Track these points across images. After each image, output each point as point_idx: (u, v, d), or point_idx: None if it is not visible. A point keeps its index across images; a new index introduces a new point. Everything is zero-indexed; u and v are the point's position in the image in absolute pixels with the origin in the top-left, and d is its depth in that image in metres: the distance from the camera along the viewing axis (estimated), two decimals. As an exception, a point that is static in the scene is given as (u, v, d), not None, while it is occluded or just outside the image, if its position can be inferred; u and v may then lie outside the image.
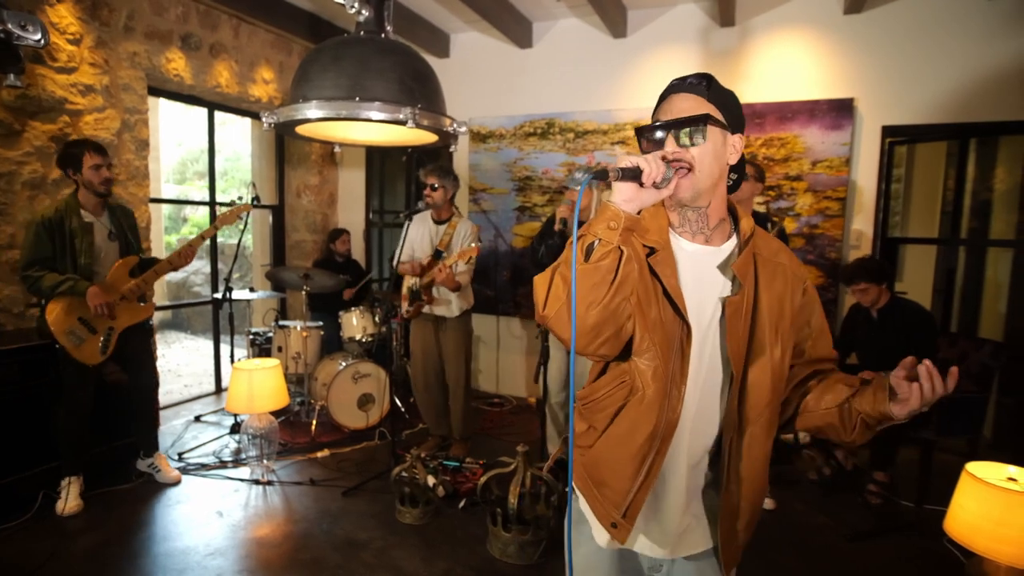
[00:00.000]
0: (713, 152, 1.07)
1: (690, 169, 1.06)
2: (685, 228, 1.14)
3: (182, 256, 2.98)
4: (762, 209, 3.98)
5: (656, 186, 0.99)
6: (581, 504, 1.26)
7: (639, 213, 1.02)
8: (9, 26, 1.00)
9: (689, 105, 1.08)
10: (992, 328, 3.93)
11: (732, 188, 1.17)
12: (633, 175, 0.97)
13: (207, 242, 4.69)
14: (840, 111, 3.78)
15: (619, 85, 4.42)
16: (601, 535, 1.21)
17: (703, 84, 1.09)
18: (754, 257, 1.13)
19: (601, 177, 0.96)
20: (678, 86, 1.11)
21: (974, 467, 1.84)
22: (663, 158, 1.01)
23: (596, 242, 0.98)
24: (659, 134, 1.08)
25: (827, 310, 3.86)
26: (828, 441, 3.40)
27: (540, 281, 1.06)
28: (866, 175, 3.83)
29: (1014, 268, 3.71)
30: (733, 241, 1.16)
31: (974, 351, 3.27)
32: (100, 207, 2.91)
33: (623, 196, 0.99)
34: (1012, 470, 1.83)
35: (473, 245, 3.25)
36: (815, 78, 3.88)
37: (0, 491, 2.76)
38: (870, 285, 3.13)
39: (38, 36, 1.03)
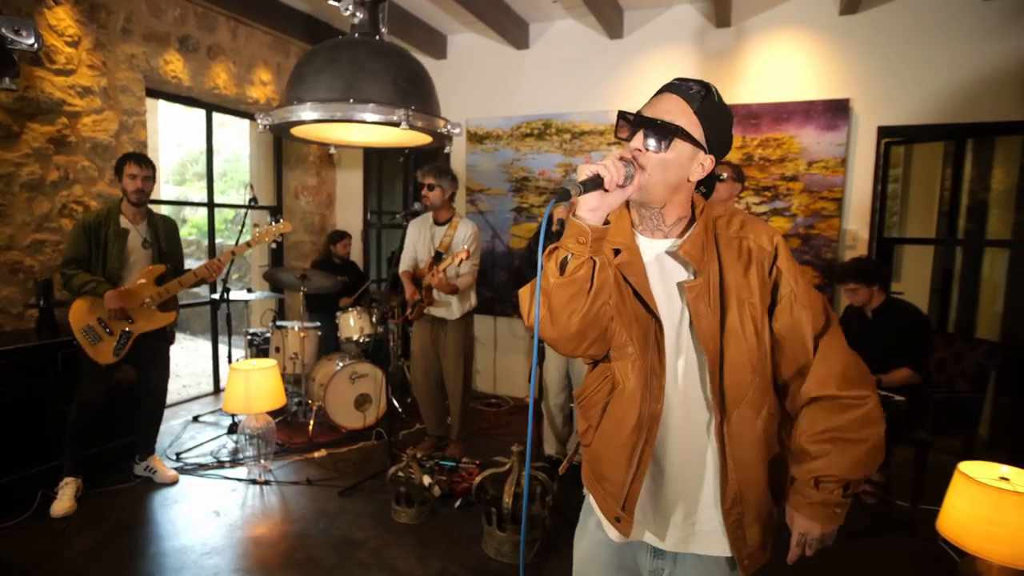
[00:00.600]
0: (676, 163, 1.07)
1: (639, 170, 1.06)
2: (645, 226, 1.17)
3: (210, 269, 3.07)
4: (763, 209, 3.99)
5: (620, 186, 1.02)
6: (590, 498, 1.30)
7: (607, 220, 1.04)
8: (2, 30, 1.02)
9: (673, 108, 1.07)
10: (989, 328, 3.94)
11: (706, 195, 1.19)
12: (595, 184, 0.98)
13: (204, 244, 4.69)
14: (836, 112, 3.79)
15: (615, 86, 4.43)
16: (611, 530, 1.23)
17: (699, 94, 1.08)
18: (715, 239, 1.13)
19: (564, 198, 0.97)
20: (677, 86, 1.10)
21: (967, 467, 1.85)
22: (620, 158, 1.03)
23: (569, 256, 1.01)
24: (631, 126, 1.09)
25: (823, 310, 3.88)
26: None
27: (524, 294, 1.12)
28: (862, 176, 3.83)
29: (1011, 268, 3.72)
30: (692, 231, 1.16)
31: (970, 351, 3.28)
32: (139, 216, 3.02)
33: (589, 207, 1.00)
34: (1005, 470, 1.84)
35: (463, 248, 3.26)
36: (811, 79, 3.89)
37: (1, 490, 2.78)
38: (860, 286, 3.14)
39: (31, 40, 1.05)
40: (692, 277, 1.11)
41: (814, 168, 3.87)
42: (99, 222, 2.89)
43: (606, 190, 0.99)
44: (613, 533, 1.22)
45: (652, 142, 1.05)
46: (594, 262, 1.01)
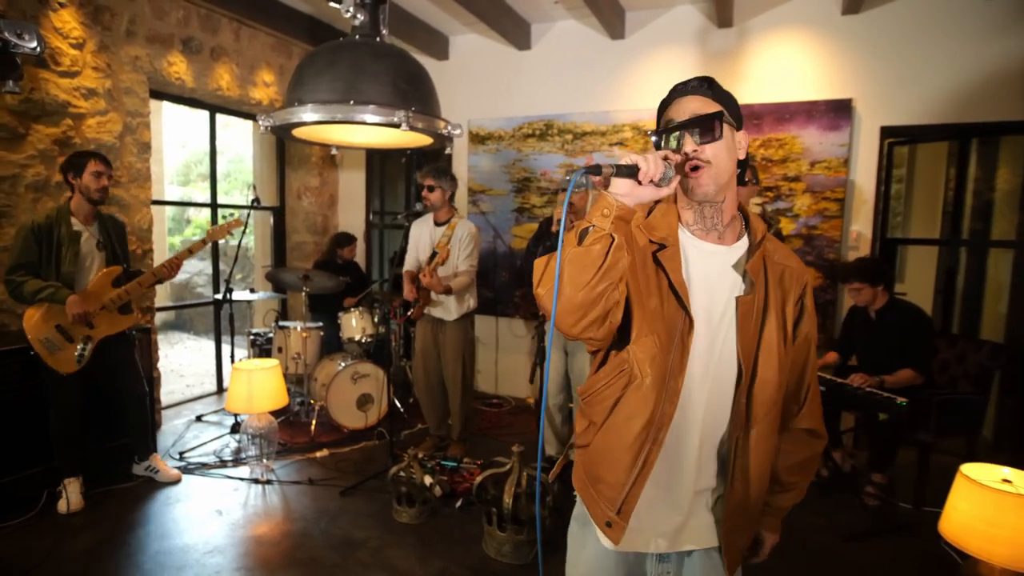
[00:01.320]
0: (726, 147, 1.11)
1: (706, 164, 1.09)
2: (699, 225, 1.17)
3: (167, 268, 2.99)
4: (757, 210, 3.98)
5: (655, 184, 1.02)
6: (583, 505, 1.28)
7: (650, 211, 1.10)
8: (5, 35, 1.03)
9: (698, 105, 1.12)
10: (993, 329, 3.92)
11: (739, 182, 1.22)
12: (630, 172, 1.01)
13: (208, 244, 4.73)
14: (838, 112, 3.77)
15: (617, 86, 4.43)
16: (603, 537, 1.21)
17: (705, 86, 1.14)
18: (764, 258, 1.16)
19: (595, 172, 1.00)
20: (682, 90, 1.15)
21: (969, 468, 1.84)
22: (664, 158, 1.04)
23: (590, 228, 1.02)
24: (677, 134, 1.11)
25: (826, 311, 3.88)
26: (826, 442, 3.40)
27: (539, 263, 1.10)
28: (865, 176, 3.82)
29: (1015, 269, 3.70)
30: (744, 241, 1.18)
31: (973, 352, 3.27)
32: (91, 216, 2.93)
33: (620, 190, 1.03)
34: (1007, 472, 1.83)
35: (446, 247, 3.30)
36: (813, 79, 3.88)
37: (3, 489, 2.80)
38: (864, 285, 3.13)
39: (34, 44, 1.06)
40: (746, 290, 1.14)
41: (817, 168, 3.86)
42: (49, 225, 2.76)
43: (639, 182, 1.01)
44: (605, 541, 1.20)
45: (704, 136, 1.09)
46: (612, 239, 1.01)
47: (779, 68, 3.96)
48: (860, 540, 2.80)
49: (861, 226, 3.86)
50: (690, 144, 1.09)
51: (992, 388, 3.29)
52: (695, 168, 1.09)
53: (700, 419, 1.14)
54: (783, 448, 1.25)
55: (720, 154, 1.10)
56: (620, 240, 1.02)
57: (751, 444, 1.15)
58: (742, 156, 1.16)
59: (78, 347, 2.82)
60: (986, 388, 3.19)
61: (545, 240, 3.15)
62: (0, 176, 3.18)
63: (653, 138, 1.16)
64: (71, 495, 2.86)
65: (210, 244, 3.64)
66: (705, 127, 1.08)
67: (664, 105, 1.18)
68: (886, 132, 3.76)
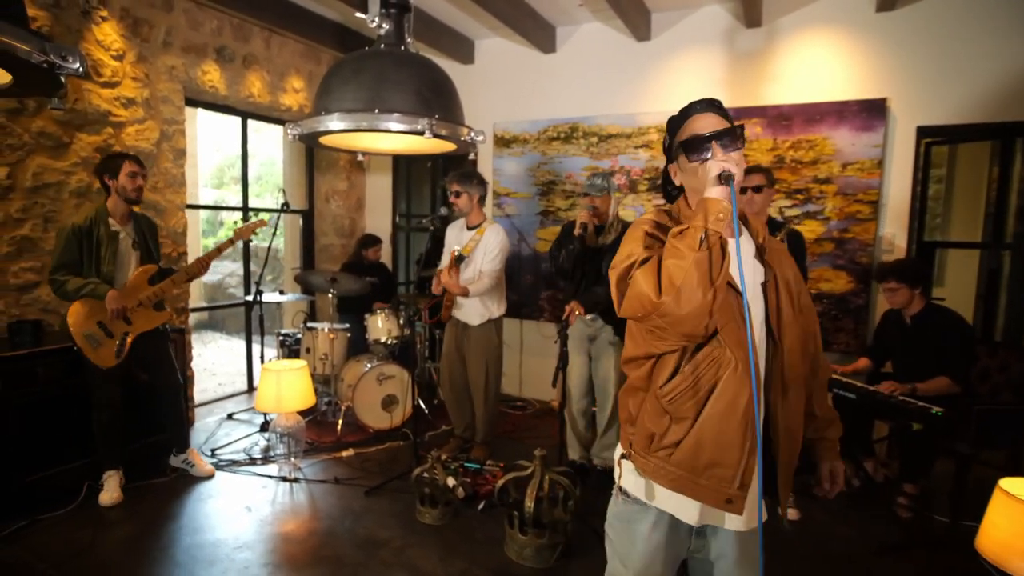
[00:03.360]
0: (743, 157, 1.27)
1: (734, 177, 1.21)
2: (728, 230, 1.28)
3: (198, 266, 3.12)
4: (795, 212, 3.91)
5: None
6: (633, 499, 1.36)
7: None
8: (51, 57, 1.10)
9: (716, 121, 1.26)
10: (1038, 336, 3.75)
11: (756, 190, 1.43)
12: (729, 179, 1.16)
13: (240, 246, 4.86)
14: (872, 112, 3.68)
15: (643, 88, 4.40)
16: (689, 514, 1.31)
17: (715, 106, 1.29)
18: (767, 244, 1.34)
19: (727, 181, 1.16)
20: (699, 108, 1.29)
21: (1008, 483, 1.78)
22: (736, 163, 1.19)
23: (706, 232, 1.13)
24: (707, 144, 1.24)
25: (858, 316, 3.79)
26: (857, 452, 3.32)
27: (645, 273, 1.17)
28: (900, 177, 3.71)
29: (1061, 273, 3.55)
30: (747, 233, 1.35)
31: (1016, 361, 3.14)
32: (127, 217, 3.05)
33: (722, 194, 1.16)
34: (1049, 487, 1.76)
35: (454, 250, 3.34)
36: (845, 78, 3.79)
37: (46, 482, 2.94)
38: (901, 286, 3.04)
39: (76, 65, 1.13)
40: (767, 273, 1.31)
41: (849, 170, 3.77)
42: (88, 226, 2.88)
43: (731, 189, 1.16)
44: (731, 519, 1.29)
45: (735, 144, 1.23)
46: (726, 241, 1.13)
47: (809, 68, 3.88)
48: (891, 553, 2.72)
49: (895, 229, 3.75)
50: (719, 153, 1.22)
51: (1035, 398, 3.16)
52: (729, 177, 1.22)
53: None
54: (817, 397, 1.46)
55: (741, 162, 1.23)
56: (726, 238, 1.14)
57: (788, 406, 1.30)
58: (743, 168, 1.29)
59: (117, 342, 2.95)
60: (1029, 398, 3.07)
61: (568, 244, 3.15)
62: (46, 183, 3.33)
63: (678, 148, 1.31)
64: (111, 488, 2.99)
65: (240, 245, 3.74)
66: (737, 136, 1.24)
67: (680, 122, 1.31)
68: (923, 132, 3.65)
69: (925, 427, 2.76)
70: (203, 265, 3.13)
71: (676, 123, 1.32)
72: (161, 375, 3.24)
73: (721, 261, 1.11)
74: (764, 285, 1.31)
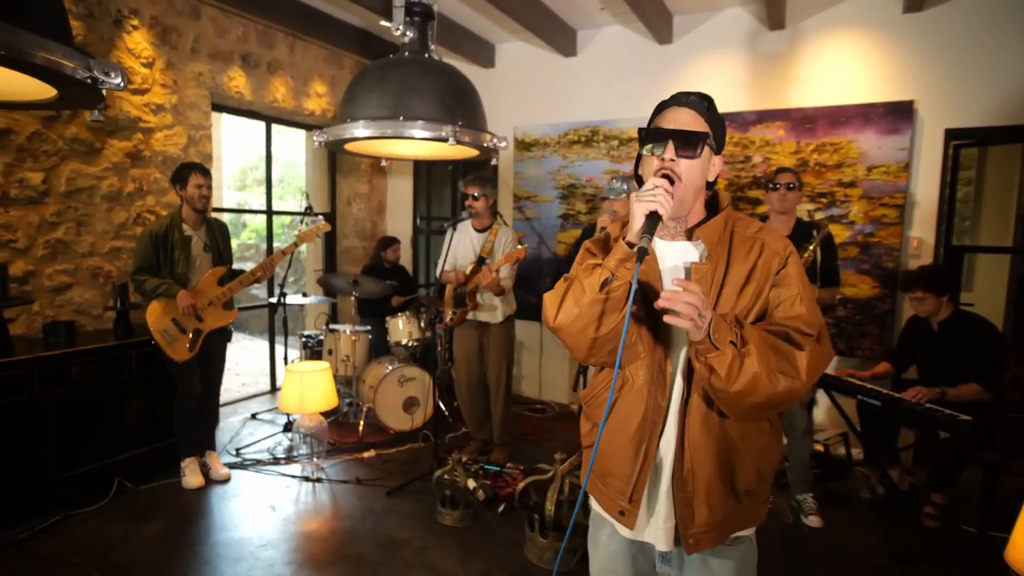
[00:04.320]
0: (701, 167, 1.17)
1: (674, 182, 1.13)
2: (666, 231, 1.23)
3: (263, 269, 3.31)
4: (819, 216, 3.86)
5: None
6: (596, 506, 1.35)
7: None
8: (95, 73, 1.16)
9: (689, 120, 1.17)
10: (1070, 343, 3.66)
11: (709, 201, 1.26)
12: (656, 221, 1.06)
13: (264, 247, 4.93)
14: (898, 114, 3.62)
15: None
16: (623, 529, 1.28)
17: (704, 104, 1.18)
18: (731, 235, 1.20)
19: (643, 257, 1.03)
20: (682, 100, 1.19)
21: (1035, 493, 1.75)
22: (663, 187, 1.08)
23: (611, 277, 1.08)
24: (660, 139, 1.16)
25: (884, 321, 3.73)
26: (882, 459, 3.27)
27: (551, 296, 1.20)
28: (927, 180, 3.65)
29: (1095, 279, 3.46)
30: (693, 241, 1.23)
31: (1047, 368, 3.07)
32: (199, 222, 3.24)
33: (641, 227, 1.07)
34: (1080, 498, 1.72)
35: (519, 247, 3.34)
36: (871, 80, 3.74)
37: (80, 478, 3.02)
38: (927, 295, 2.98)
39: (118, 80, 1.18)
40: (701, 257, 1.18)
41: (874, 174, 3.71)
42: (164, 231, 3.10)
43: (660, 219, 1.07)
44: (624, 531, 1.28)
45: (685, 151, 1.14)
46: (631, 287, 1.05)
47: (834, 70, 3.83)
48: (917, 563, 2.68)
49: (922, 233, 3.68)
50: (670, 152, 1.15)
51: (1067, 407, 3.08)
52: (665, 176, 1.12)
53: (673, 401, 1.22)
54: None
55: (693, 172, 1.15)
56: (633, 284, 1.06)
57: (692, 410, 1.17)
58: (711, 178, 1.21)
59: (189, 337, 3.14)
60: (1061, 407, 2.99)
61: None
62: (79, 188, 3.43)
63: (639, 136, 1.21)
64: (192, 473, 3.25)
65: (263, 247, 3.81)
66: (689, 142, 1.14)
67: (661, 108, 1.22)
68: (951, 135, 3.58)
69: (952, 435, 2.71)
70: (267, 268, 3.33)
71: (659, 109, 1.23)
72: (213, 373, 3.39)
73: (621, 305, 1.09)
74: (689, 266, 1.19)
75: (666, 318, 1.03)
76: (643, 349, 1.21)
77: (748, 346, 1.05)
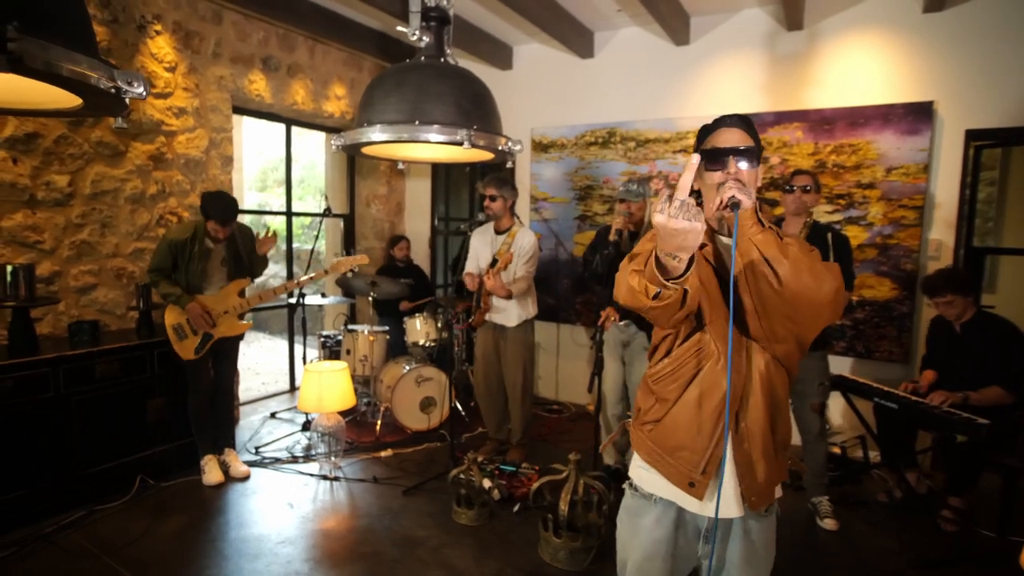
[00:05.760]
0: (754, 177, 1.29)
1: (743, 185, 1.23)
2: (722, 230, 1.32)
3: (287, 288, 3.52)
4: (838, 218, 3.84)
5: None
6: (640, 492, 1.41)
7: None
8: (119, 83, 1.20)
9: (740, 137, 1.29)
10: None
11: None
12: (734, 206, 1.17)
13: (283, 247, 5.00)
14: (918, 115, 3.58)
15: (682, 93, 4.37)
16: (688, 501, 1.34)
17: (745, 124, 1.31)
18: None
19: (733, 208, 1.15)
20: (728, 122, 1.32)
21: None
22: (742, 182, 1.21)
23: (655, 257, 1.15)
24: (723, 158, 1.27)
25: (902, 324, 3.69)
26: (900, 462, 3.23)
27: (624, 280, 1.23)
28: (947, 182, 3.60)
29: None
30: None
31: (1071, 372, 3.01)
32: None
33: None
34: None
35: (509, 252, 3.38)
36: (890, 81, 3.70)
37: (103, 474, 3.10)
38: (956, 297, 2.95)
39: (141, 90, 1.23)
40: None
41: (893, 175, 3.67)
42: (185, 241, 3.16)
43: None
44: (690, 504, 1.34)
45: (747, 164, 1.26)
46: (685, 292, 1.13)
47: (853, 71, 3.80)
48: (935, 567, 2.65)
49: (942, 235, 3.64)
50: (732, 167, 1.26)
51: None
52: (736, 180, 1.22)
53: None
54: None
55: (751, 180, 1.27)
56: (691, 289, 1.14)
57: (752, 372, 1.30)
58: (758, 186, 1.32)
59: (199, 340, 3.25)
60: (1085, 412, 2.94)
61: (602, 249, 3.16)
62: (104, 190, 3.52)
63: (695, 158, 1.24)
64: (211, 470, 3.32)
65: (283, 247, 3.89)
66: (749, 158, 1.26)
67: (707, 132, 1.34)
68: (972, 135, 3.53)
69: (970, 440, 2.67)
70: (290, 289, 3.49)
71: (706, 132, 1.36)
72: (224, 376, 3.46)
73: (679, 303, 1.15)
74: (735, 278, 1.26)
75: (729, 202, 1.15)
76: (724, 326, 1.26)
77: (789, 239, 1.18)
